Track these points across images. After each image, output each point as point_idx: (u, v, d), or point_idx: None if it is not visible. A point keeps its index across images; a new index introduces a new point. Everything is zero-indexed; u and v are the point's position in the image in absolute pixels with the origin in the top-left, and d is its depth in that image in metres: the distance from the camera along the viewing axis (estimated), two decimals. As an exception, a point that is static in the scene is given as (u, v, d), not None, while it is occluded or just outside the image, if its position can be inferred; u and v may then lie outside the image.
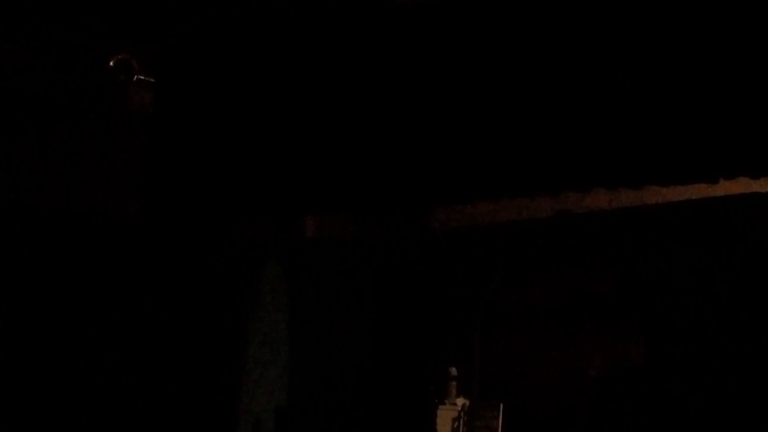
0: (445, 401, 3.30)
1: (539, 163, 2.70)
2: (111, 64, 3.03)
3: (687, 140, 2.45)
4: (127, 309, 3.16)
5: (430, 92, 2.80)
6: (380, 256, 3.60)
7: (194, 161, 3.22)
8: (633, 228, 3.21)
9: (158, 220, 3.25)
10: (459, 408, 3.29)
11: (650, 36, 2.48)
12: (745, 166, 2.41)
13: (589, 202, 3.20)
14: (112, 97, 3.22)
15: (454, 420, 3.28)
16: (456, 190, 2.92)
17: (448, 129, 2.78)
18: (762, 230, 2.92)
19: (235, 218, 3.40)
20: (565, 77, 2.61)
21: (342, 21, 2.96)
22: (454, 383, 3.31)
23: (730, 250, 3.01)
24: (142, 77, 3.09)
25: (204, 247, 3.31)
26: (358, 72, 2.90)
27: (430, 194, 3.00)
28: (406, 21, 2.89)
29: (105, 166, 3.25)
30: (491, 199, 3.16)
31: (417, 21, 2.87)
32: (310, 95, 2.99)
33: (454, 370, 3.31)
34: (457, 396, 3.30)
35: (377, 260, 3.61)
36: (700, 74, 2.42)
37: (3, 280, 3.02)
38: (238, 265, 3.46)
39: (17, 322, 3.04)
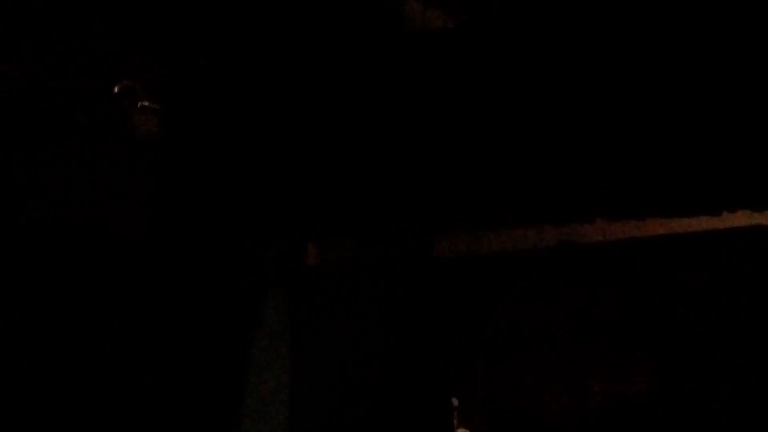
0: (447, 432, 3.28)
1: (543, 192, 2.70)
2: (116, 90, 3.06)
3: (691, 173, 2.45)
4: (127, 330, 3.17)
5: (436, 119, 2.82)
6: (383, 284, 3.59)
7: (199, 186, 3.24)
8: (639, 259, 3.19)
9: (162, 244, 3.27)
10: (460, 439, 3.27)
11: (656, 68, 2.49)
12: (746, 200, 2.41)
13: (594, 232, 3.18)
14: (118, 120, 3.24)
15: (455, 451, 3.26)
16: (458, 218, 2.92)
17: (453, 157, 2.80)
18: (765, 262, 2.90)
19: (240, 243, 3.42)
20: (571, 106, 2.62)
21: (351, 41, 2.98)
22: (455, 413, 3.28)
23: (734, 282, 2.98)
24: (146, 104, 3.11)
25: (206, 272, 3.32)
26: (367, 97, 2.92)
27: (432, 221, 3.01)
28: (417, 44, 2.91)
29: (110, 190, 3.27)
30: (494, 227, 3.17)
31: (428, 43, 2.89)
32: (316, 120, 3.01)
33: (455, 401, 3.29)
34: (458, 427, 3.28)
35: (380, 287, 3.59)
36: (703, 108, 2.42)
37: (9, 291, 3.03)
38: (239, 292, 3.46)
39: (21, 337, 3.05)
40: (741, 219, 2.67)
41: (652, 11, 2.54)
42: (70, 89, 3.11)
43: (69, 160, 3.16)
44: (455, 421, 3.27)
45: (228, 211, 3.18)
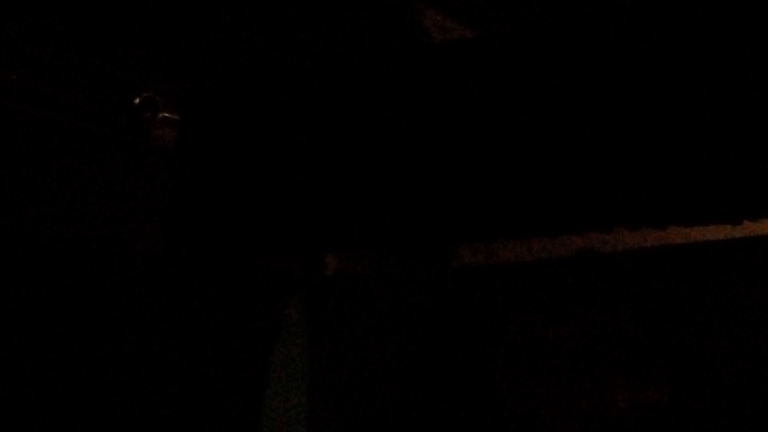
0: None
1: (561, 202, 2.70)
2: (136, 101, 3.07)
3: (711, 181, 2.45)
4: (145, 342, 3.17)
5: (453, 130, 2.82)
6: (401, 295, 3.60)
7: (218, 197, 3.24)
8: (657, 268, 3.20)
9: (181, 255, 3.27)
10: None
11: (675, 79, 2.49)
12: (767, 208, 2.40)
13: (613, 241, 3.19)
14: (137, 131, 3.25)
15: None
16: (477, 228, 2.92)
17: (470, 167, 2.79)
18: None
19: (258, 254, 3.42)
20: (588, 115, 2.62)
21: (365, 58, 2.99)
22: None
23: (754, 292, 2.99)
24: (167, 115, 3.12)
25: (225, 284, 3.32)
26: (383, 109, 2.92)
27: (452, 232, 3.00)
28: (430, 59, 2.91)
29: (128, 200, 3.27)
30: (513, 237, 3.17)
31: (440, 59, 2.90)
32: (333, 132, 3.01)
33: None
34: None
35: (398, 298, 3.60)
36: (724, 114, 2.42)
37: (20, 307, 3.03)
38: (258, 302, 3.47)
39: (31, 354, 3.05)
40: (762, 228, 2.67)
41: (665, 23, 2.55)
42: (90, 103, 3.12)
43: (87, 173, 3.17)
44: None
45: (247, 229, 3.18)
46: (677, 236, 2.98)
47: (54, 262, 3.12)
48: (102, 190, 3.24)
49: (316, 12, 2.90)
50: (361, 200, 2.96)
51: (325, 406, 3.57)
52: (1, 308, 2.97)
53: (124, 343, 3.15)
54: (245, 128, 3.21)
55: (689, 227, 2.76)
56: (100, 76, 3.06)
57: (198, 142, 3.29)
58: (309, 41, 2.96)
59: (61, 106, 3.03)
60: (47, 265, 3.10)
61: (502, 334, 3.49)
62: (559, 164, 2.68)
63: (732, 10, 2.47)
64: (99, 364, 3.13)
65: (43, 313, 3.08)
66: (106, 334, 3.14)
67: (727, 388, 3.08)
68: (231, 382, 3.32)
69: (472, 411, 3.45)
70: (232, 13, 2.96)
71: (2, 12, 2.81)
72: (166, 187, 3.27)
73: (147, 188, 3.29)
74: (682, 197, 2.50)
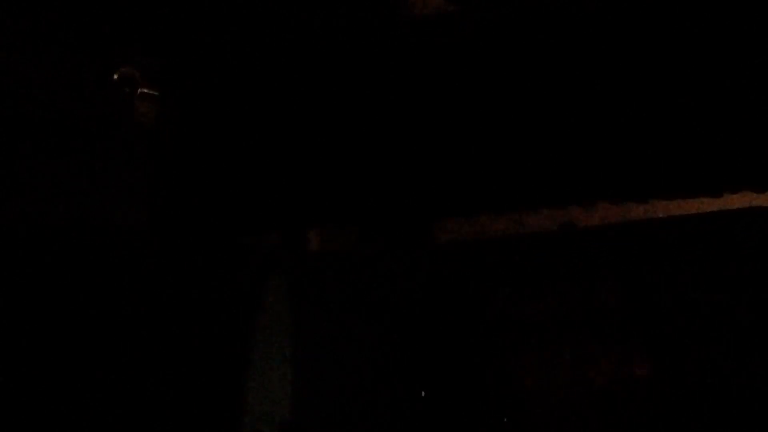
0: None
1: (543, 176, 2.71)
2: (115, 77, 3.04)
3: (691, 154, 2.45)
4: (128, 321, 3.16)
5: (433, 104, 2.82)
6: (384, 270, 3.60)
7: (200, 173, 3.24)
8: (638, 241, 3.20)
9: (164, 232, 3.27)
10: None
11: (655, 52, 2.50)
12: (748, 180, 2.42)
13: (594, 215, 3.19)
14: (117, 109, 3.23)
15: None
16: (459, 203, 2.93)
17: (451, 141, 2.80)
18: (766, 244, 2.91)
19: (241, 231, 3.42)
20: (571, 90, 2.63)
21: (346, 36, 2.98)
22: None
23: (734, 264, 3.00)
24: (146, 90, 3.10)
25: (207, 261, 3.31)
26: (365, 85, 2.92)
27: (433, 207, 3.01)
28: (410, 36, 2.91)
29: (110, 179, 3.26)
30: (495, 212, 3.17)
31: (421, 35, 2.89)
32: (315, 108, 3.01)
33: None
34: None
35: (381, 274, 3.60)
36: (704, 87, 2.43)
37: (8, 292, 3.02)
38: (240, 277, 3.46)
39: (21, 336, 3.04)
40: (741, 200, 2.68)
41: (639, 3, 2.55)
42: (69, 84, 3.09)
43: (67, 153, 3.15)
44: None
45: (230, 205, 3.18)
46: (659, 209, 2.99)
47: (37, 244, 3.10)
48: (84, 170, 3.22)
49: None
50: (341, 176, 2.97)
51: (309, 381, 3.57)
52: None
53: (101, 321, 3.14)
54: (226, 103, 3.20)
55: (669, 200, 2.78)
56: (77, 52, 3.03)
57: (179, 119, 3.28)
58: (285, 15, 2.95)
59: (38, 86, 3.00)
60: (28, 249, 3.09)
61: (485, 309, 3.50)
62: (541, 139, 2.69)
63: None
64: (80, 344, 3.12)
65: (26, 298, 3.06)
66: (86, 311, 3.13)
67: (708, 360, 3.10)
68: (213, 359, 3.32)
69: (458, 384, 3.46)
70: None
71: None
72: (148, 165, 3.26)
73: (132, 166, 3.28)
74: (662, 170, 2.51)
